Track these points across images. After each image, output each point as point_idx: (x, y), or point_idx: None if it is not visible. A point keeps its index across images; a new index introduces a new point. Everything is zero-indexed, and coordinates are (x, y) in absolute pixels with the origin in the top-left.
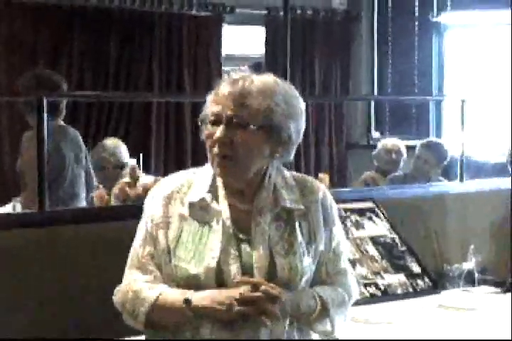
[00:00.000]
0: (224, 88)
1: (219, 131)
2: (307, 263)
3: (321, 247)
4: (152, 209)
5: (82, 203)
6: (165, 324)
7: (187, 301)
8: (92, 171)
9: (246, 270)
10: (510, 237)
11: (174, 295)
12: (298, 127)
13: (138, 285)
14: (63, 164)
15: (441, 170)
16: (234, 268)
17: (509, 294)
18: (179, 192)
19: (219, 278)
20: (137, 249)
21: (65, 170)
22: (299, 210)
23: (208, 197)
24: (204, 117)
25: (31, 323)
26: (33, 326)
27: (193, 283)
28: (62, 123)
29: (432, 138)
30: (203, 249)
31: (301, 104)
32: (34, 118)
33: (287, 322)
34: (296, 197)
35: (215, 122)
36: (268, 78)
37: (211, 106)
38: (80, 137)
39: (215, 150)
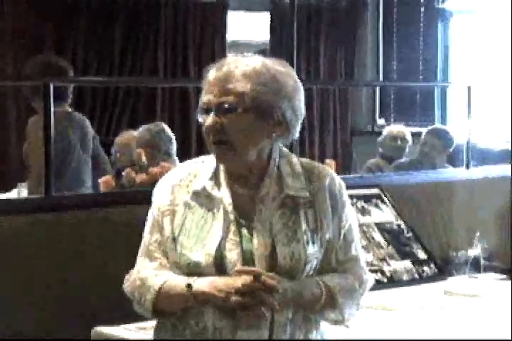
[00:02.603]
0: (210, 75)
1: (209, 119)
2: (311, 251)
3: (329, 235)
4: (159, 197)
5: (88, 190)
6: (171, 311)
7: (189, 286)
8: (104, 155)
9: (247, 256)
10: None
11: (178, 282)
12: (293, 104)
13: (145, 272)
14: (67, 150)
15: (447, 156)
16: (234, 255)
17: None
18: (185, 180)
19: (219, 265)
20: (146, 236)
21: (70, 156)
22: (304, 198)
23: (210, 184)
24: (199, 107)
25: (35, 313)
26: (37, 315)
27: (194, 270)
28: (69, 109)
29: (438, 124)
30: (205, 236)
31: (294, 81)
32: (40, 103)
33: (290, 311)
34: (302, 184)
35: (207, 110)
36: (254, 59)
37: (202, 95)
38: (88, 123)
39: (211, 137)
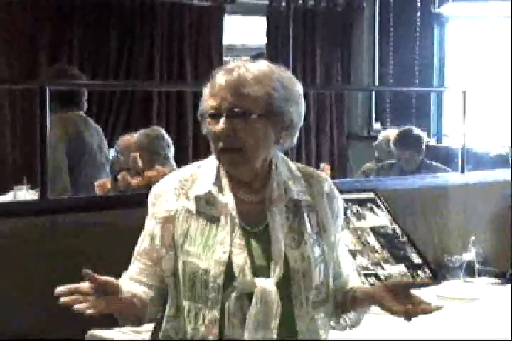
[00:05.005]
0: (219, 79)
1: (221, 124)
2: (317, 254)
3: (333, 238)
4: (154, 205)
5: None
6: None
7: None
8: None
9: (255, 262)
10: (511, 228)
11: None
12: (299, 110)
13: (121, 279)
14: (84, 150)
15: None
16: (241, 259)
17: (509, 285)
18: (183, 187)
19: (227, 271)
20: (138, 244)
21: (86, 155)
22: (306, 201)
23: (214, 189)
24: (203, 111)
25: (34, 314)
26: (36, 316)
27: (200, 277)
28: (84, 115)
29: (398, 131)
30: (212, 243)
31: (299, 87)
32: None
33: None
34: (303, 188)
35: (215, 115)
36: (262, 64)
37: (209, 99)
38: (102, 132)
39: (220, 143)
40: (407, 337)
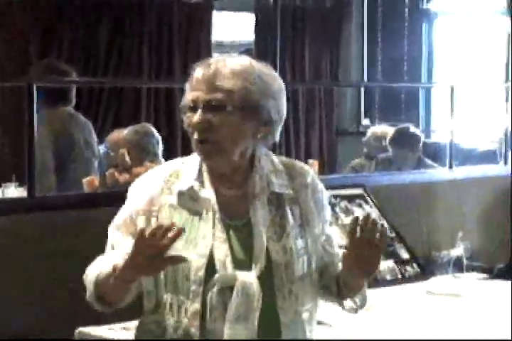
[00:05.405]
0: (197, 73)
1: (196, 116)
2: (300, 246)
3: (317, 230)
4: (136, 198)
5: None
6: (110, 300)
7: (114, 268)
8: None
9: (236, 255)
10: (511, 224)
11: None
12: (278, 106)
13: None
14: (71, 146)
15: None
16: (222, 252)
17: (497, 280)
18: (167, 181)
19: (209, 264)
20: (114, 233)
21: (74, 151)
22: (288, 195)
23: (196, 184)
24: (182, 105)
25: (19, 311)
26: (23, 314)
27: (182, 270)
28: (72, 111)
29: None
30: (194, 237)
31: (279, 83)
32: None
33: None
34: (285, 181)
35: (193, 108)
36: (242, 59)
37: (188, 93)
38: (92, 128)
39: (196, 135)
40: (393, 332)
